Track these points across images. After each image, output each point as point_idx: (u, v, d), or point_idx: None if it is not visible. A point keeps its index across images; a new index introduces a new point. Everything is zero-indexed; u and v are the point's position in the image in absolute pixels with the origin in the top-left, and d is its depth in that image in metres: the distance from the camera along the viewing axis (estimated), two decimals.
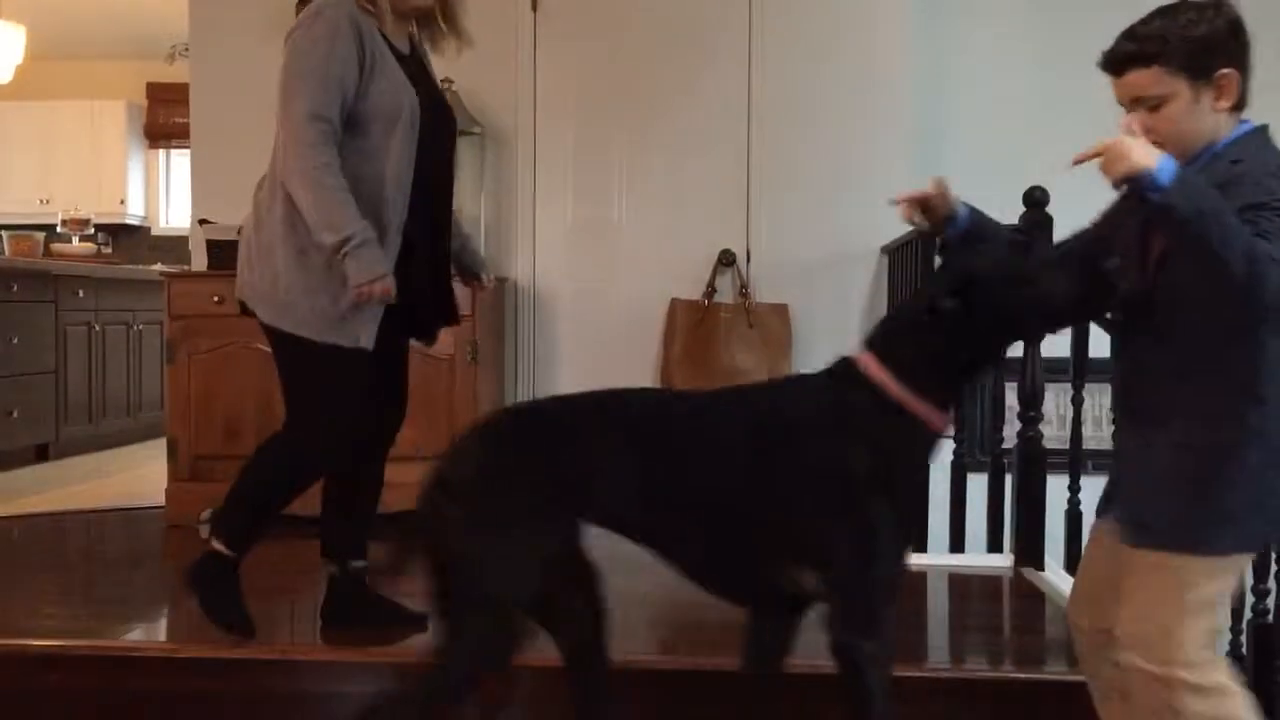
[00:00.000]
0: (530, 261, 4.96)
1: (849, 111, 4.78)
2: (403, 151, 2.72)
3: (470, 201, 4.89)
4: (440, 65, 4.71)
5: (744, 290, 4.81)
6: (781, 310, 4.78)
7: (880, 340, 2.05)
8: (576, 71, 4.91)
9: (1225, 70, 1.99)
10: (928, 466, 2.11)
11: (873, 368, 2.01)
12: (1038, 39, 5.10)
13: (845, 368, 2.06)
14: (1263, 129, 2.04)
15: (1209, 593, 1.98)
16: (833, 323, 4.80)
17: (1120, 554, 2.06)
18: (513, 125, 4.93)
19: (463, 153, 4.83)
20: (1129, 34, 2.05)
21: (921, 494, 2.05)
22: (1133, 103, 2.04)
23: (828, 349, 4.88)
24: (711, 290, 4.83)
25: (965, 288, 1.95)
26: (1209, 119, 2.01)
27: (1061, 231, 3.40)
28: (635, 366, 4.87)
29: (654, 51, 4.88)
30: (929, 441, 2.03)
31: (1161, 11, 2.02)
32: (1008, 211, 3.61)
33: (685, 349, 4.79)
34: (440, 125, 2.86)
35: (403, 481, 4.28)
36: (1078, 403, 3.57)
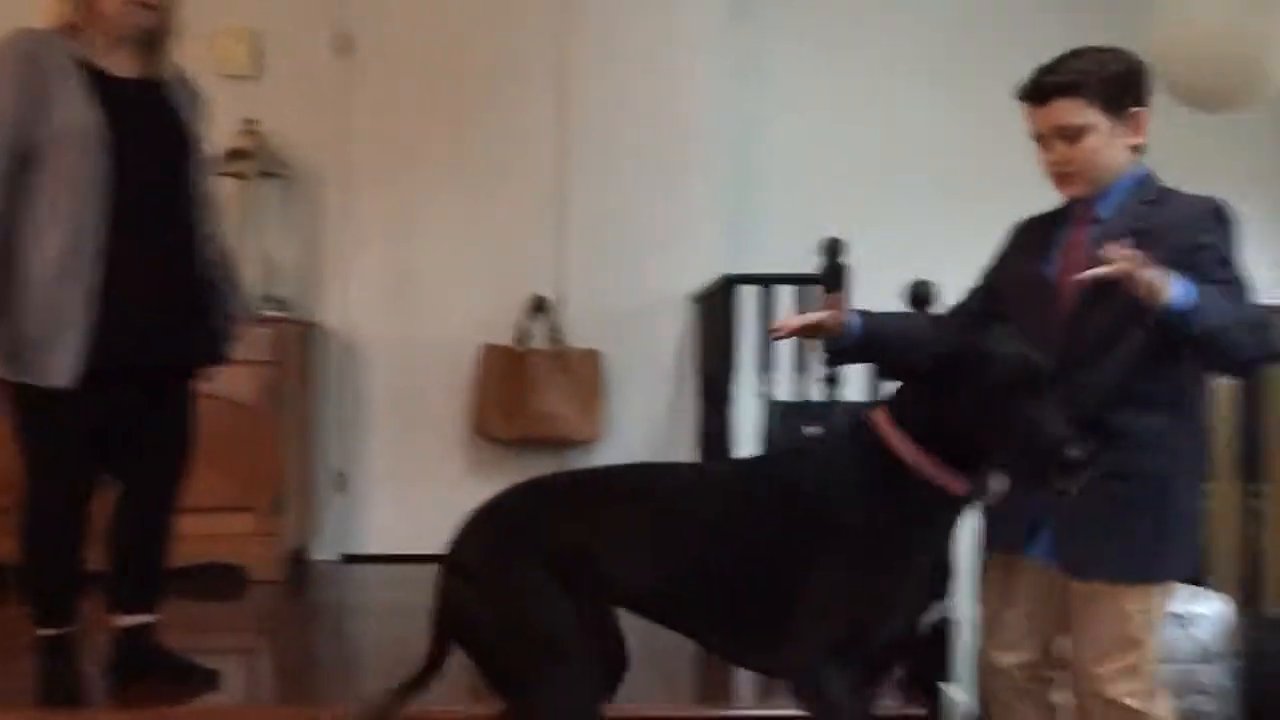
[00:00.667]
0: (341, 306, 4.85)
1: (660, 159, 4.88)
2: (89, 173, 2.61)
3: (278, 244, 4.77)
4: (245, 106, 4.66)
5: (556, 336, 4.83)
6: (593, 356, 4.82)
7: (895, 402, 1.99)
8: (387, 113, 4.86)
9: (1137, 109, 2.13)
10: (947, 531, 2.00)
11: (886, 429, 1.95)
12: (846, 89, 5.31)
13: (860, 430, 1.99)
14: (1150, 172, 2.17)
15: (1160, 618, 2.09)
16: (644, 369, 4.86)
17: (1052, 589, 2.14)
18: (322, 167, 4.83)
19: (270, 195, 4.73)
20: (1049, 69, 2.16)
21: (936, 556, 2.00)
22: (1052, 132, 2.13)
23: (640, 395, 5.01)
24: (523, 336, 4.83)
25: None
26: (1121, 154, 2.13)
27: (861, 280, 3.57)
28: (448, 413, 4.83)
29: (466, 96, 4.88)
30: (946, 505, 1.95)
31: (1074, 54, 2.14)
32: (809, 260, 3.77)
33: (498, 395, 4.77)
34: (159, 148, 2.75)
35: (205, 533, 4.17)
36: None
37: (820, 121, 5.22)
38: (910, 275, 2.96)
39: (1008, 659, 2.23)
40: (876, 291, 3.42)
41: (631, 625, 2.15)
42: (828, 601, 1.89)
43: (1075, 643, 2.13)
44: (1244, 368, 2.06)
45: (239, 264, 3.21)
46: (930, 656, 2.69)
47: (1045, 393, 1.86)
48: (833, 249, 3.70)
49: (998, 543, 2.24)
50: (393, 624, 3.60)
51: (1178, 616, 2.91)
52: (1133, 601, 2.06)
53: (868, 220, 4.74)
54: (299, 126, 4.78)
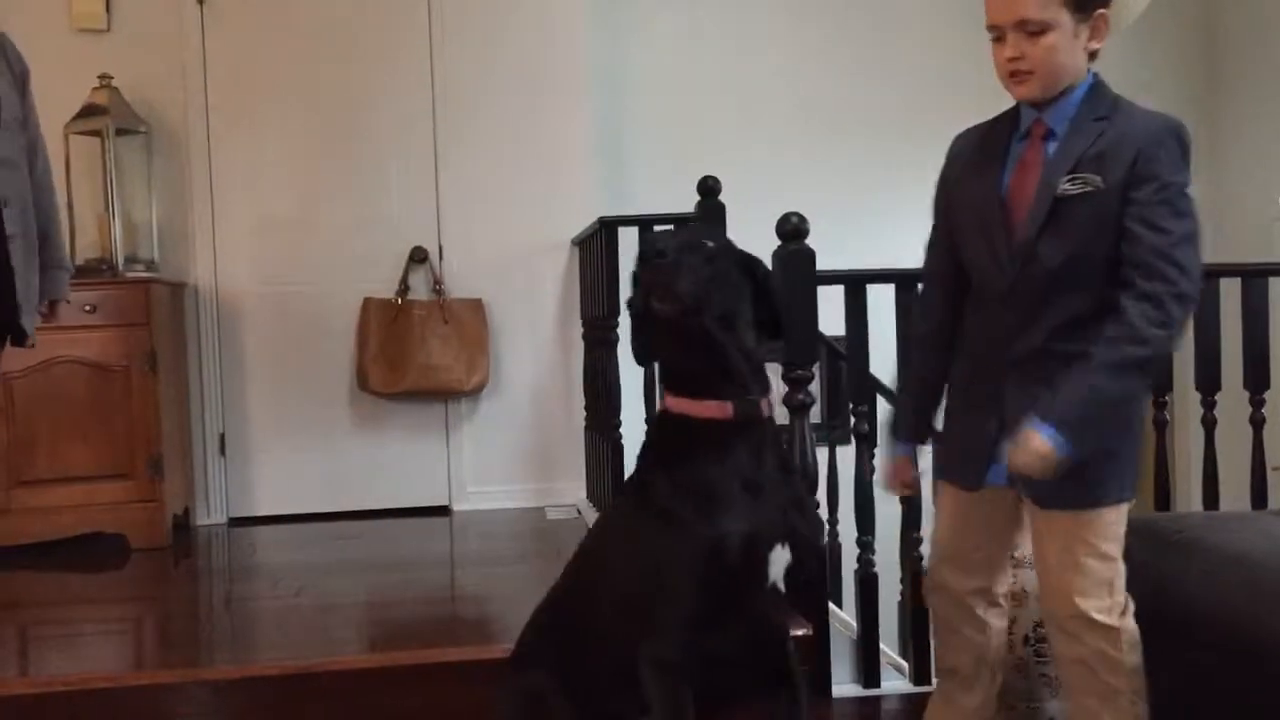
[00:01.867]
0: (210, 264, 4.72)
1: (533, 107, 4.83)
2: None
3: (139, 203, 4.61)
4: (98, 61, 4.48)
5: (438, 286, 4.78)
6: (476, 305, 4.79)
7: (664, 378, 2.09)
8: (249, 66, 4.72)
9: (1102, 10, 2.06)
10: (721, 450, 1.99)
11: (666, 402, 2.03)
12: (714, 28, 5.33)
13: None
14: (1099, 78, 2.11)
15: (1121, 534, 2.12)
16: (528, 315, 4.85)
17: (1008, 512, 2.18)
18: (183, 123, 4.68)
19: (128, 153, 4.57)
20: None
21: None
22: (1013, 25, 2.04)
23: (525, 342, 5.01)
24: (405, 288, 4.77)
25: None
26: (1079, 57, 2.06)
27: (734, 218, 3.60)
28: (330, 369, 4.76)
29: (331, 44, 4.76)
30: (705, 433, 1.97)
31: None
32: (687, 199, 3.79)
33: (380, 348, 4.71)
34: None
35: (82, 503, 4.07)
36: None
37: (688, 64, 5.24)
38: (782, 208, 2.99)
39: (962, 583, 2.25)
40: (750, 227, 3.47)
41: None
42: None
43: (1040, 565, 2.17)
44: (1163, 356, 2.06)
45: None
46: (813, 577, 2.74)
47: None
48: (710, 187, 3.73)
49: (953, 476, 2.25)
50: (281, 586, 3.57)
51: None
52: (1093, 523, 2.09)
53: (739, 158, 4.80)
54: (155, 80, 4.62)
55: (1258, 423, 3.38)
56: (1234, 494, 3.45)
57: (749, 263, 2.05)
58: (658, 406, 2.10)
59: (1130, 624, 2.14)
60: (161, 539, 4.19)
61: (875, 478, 2.31)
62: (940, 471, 2.29)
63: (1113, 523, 2.12)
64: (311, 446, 4.74)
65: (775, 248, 2.96)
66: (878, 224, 4.89)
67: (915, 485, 2.35)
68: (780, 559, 1.95)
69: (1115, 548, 2.13)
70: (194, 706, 2.63)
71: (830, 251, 3.03)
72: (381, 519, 4.66)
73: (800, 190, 4.10)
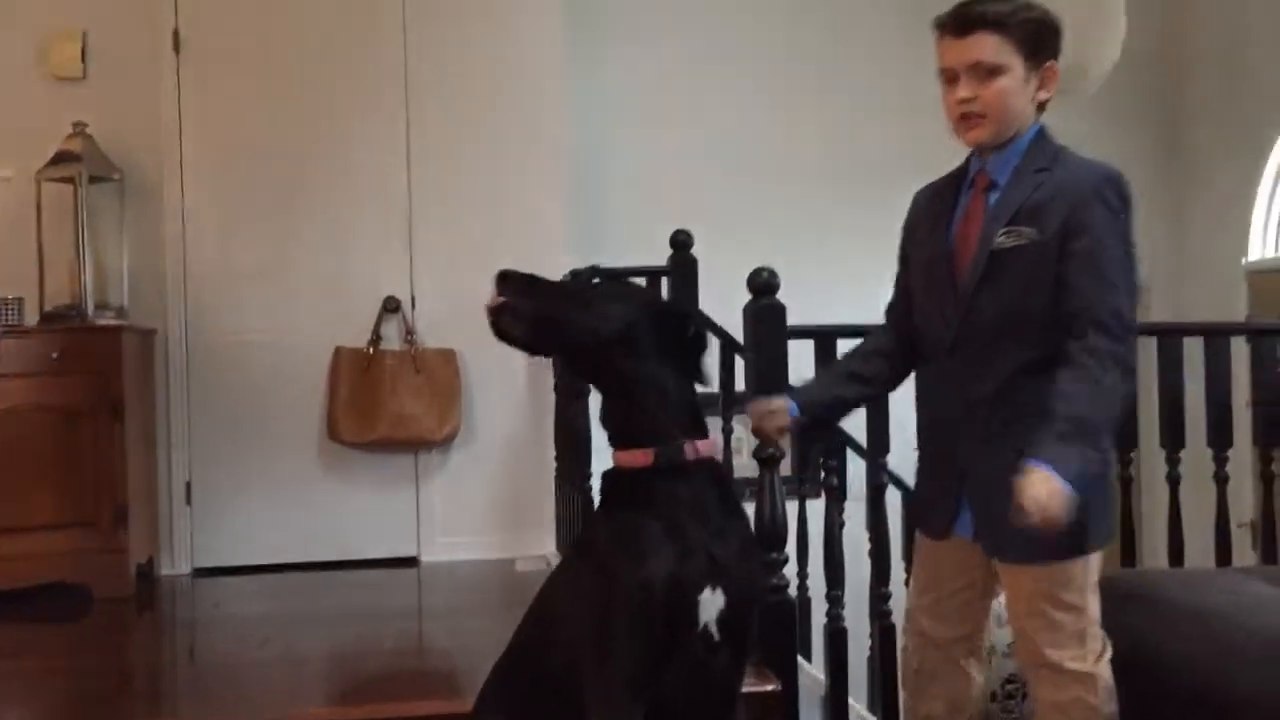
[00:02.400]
0: (181, 312, 4.70)
1: (507, 158, 4.86)
2: None
3: (111, 250, 4.60)
4: (73, 108, 4.48)
5: (410, 336, 4.78)
6: (449, 355, 4.79)
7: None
8: (225, 115, 4.73)
9: (1052, 62, 2.09)
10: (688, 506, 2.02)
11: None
12: (689, 83, 5.39)
13: None
14: (1045, 128, 2.13)
15: (1091, 583, 2.11)
16: (501, 366, 4.84)
17: (981, 564, 2.17)
18: (157, 171, 4.68)
19: (101, 200, 4.56)
20: (975, 1, 2.09)
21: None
22: (966, 67, 2.06)
23: (497, 392, 5.00)
24: (376, 337, 4.76)
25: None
26: (1027, 106, 2.09)
27: (706, 272, 3.63)
28: (300, 418, 4.73)
29: (307, 95, 4.78)
30: (634, 481, 2.02)
31: None
32: (659, 252, 3.82)
33: (351, 397, 4.70)
34: None
35: (44, 551, 4.01)
36: (727, 432, 3.77)
37: (662, 118, 5.29)
38: (754, 262, 3.01)
39: (941, 631, 2.25)
40: (722, 281, 3.50)
41: None
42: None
43: (1012, 614, 2.17)
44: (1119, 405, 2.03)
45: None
46: (780, 632, 2.74)
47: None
48: (682, 241, 3.77)
49: (922, 526, 2.28)
50: (246, 638, 3.52)
51: None
52: (1056, 576, 2.09)
53: (711, 212, 4.84)
54: (130, 129, 4.62)
55: (1221, 480, 3.42)
56: (1200, 550, 3.48)
57: (654, 304, 2.20)
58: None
59: (1105, 670, 2.14)
60: (125, 589, 4.12)
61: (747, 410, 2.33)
62: (914, 520, 2.32)
63: (1078, 575, 2.12)
64: (279, 496, 4.70)
65: (746, 302, 2.99)
66: (849, 279, 4.93)
67: (775, 433, 2.33)
68: (712, 602, 1.94)
69: (1084, 598, 2.12)
70: None
71: (801, 306, 3.05)
72: (349, 570, 4.62)
73: (772, 245, 4.14)
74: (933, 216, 2.22)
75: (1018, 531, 1.98)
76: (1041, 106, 2.12)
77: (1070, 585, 2.11)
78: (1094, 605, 2.15)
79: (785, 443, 2.82)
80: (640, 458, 1.99)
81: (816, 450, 3.16)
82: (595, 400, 4.19)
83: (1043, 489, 1.90)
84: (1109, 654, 2.16)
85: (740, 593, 1.98)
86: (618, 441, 2.04)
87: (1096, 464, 1.98)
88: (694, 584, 1.93)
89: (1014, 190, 2.08)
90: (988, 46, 2.04)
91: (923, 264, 2.21)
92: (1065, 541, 2.06)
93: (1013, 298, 2.05)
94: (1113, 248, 2.02)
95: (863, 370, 2.35)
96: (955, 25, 2.09)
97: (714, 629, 1.95)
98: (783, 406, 2.28)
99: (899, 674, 2.41)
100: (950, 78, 2.10)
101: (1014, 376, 2.06)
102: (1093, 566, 2.15)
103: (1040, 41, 2.08)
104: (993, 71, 2.05)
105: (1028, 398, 2.03)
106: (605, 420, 2.08)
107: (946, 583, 2.24)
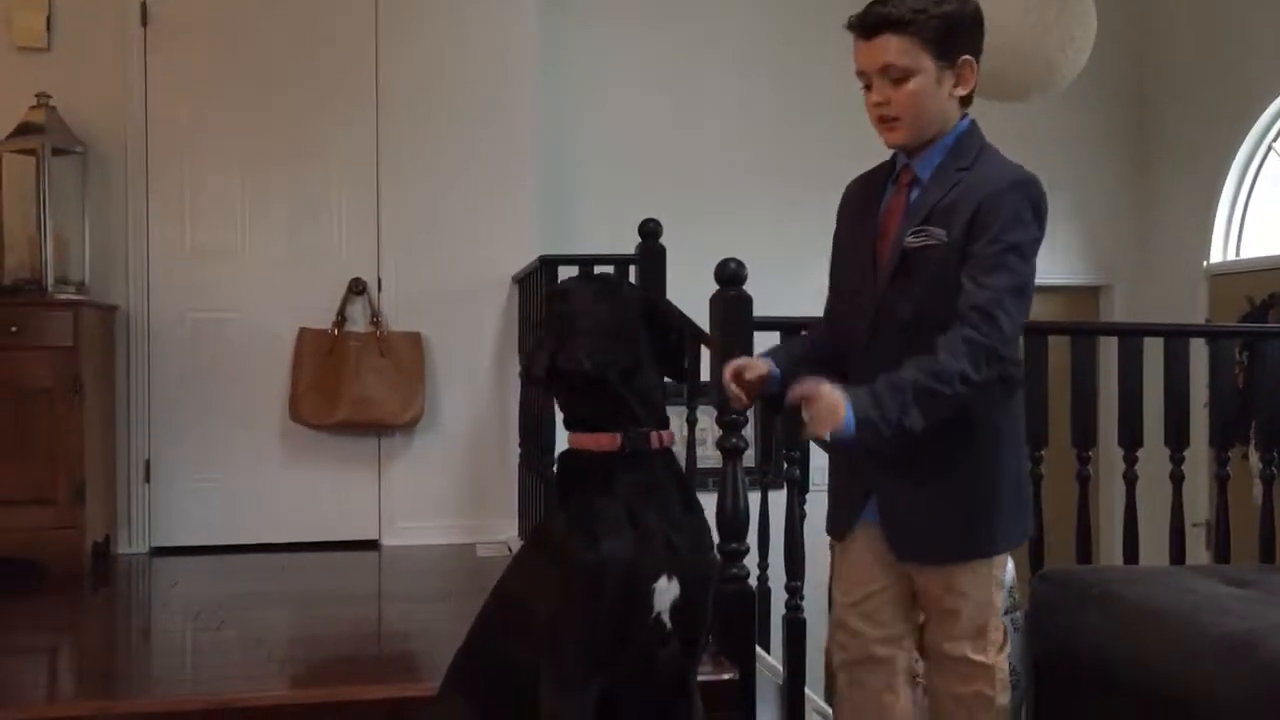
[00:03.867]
0: (143, 289, 4.65)
1: (477, 143, 4.84)
2: None
3: (73, 224, 4.53)
4: (37, 79, 4.41)
5: (375, 319, 4.75)
6: (414, 339, 4.76)
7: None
8: (191, 90, 4.67)
9: (967, 57, 2.02)
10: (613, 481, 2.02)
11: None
12: (662, 71, 5.39)
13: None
14: (974, 124, 2.08)
15: (997, 582, 2.12)
16: (466, 351, 4.83)
17: (894, 568, 2.14)
18: (121, 145, 4.62)
19: (63, 174, 4.49)
20: (882, 2, 2.02)
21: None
22: (876, 70, 2.01)
23: (462, 377, 4.99)
24: (341, 319, 4.73)
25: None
26: (947, 104, 2.03)
27: (674, 261, 3.62)
28: (263, 398, 4.69)
29: (275, 72, 4.73)
30: (594, 464, 2.01)
31: None
32: (628, 240, 3.82)
33: (315, 379, 4.66)
34: None
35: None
36: (692, 422, 3.77)
37: (634, 105, 5.29)
38: (722, 253, 3.01)
39: (871, 630, 2.19)
40: (690, 270, 3.50)
41: None
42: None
43: (933, 616, 2.18)
44: (971, 397, 1.95)
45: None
46: (740, 621, 2.75)
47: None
48: (651, 230, 3.76)
49: (831, 529, 2.27)
50: (203, 618, 3.50)
51: None
52: (963, 575, 2.10)
53: (681, 201, 4.85)
54: (95, 101, 4.56)
55: (1177, 479, 3.46)
56: (1155, 548, 3.53)
57: (648, 306, 2.14)
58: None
59: (1003, 662, 2.16)
60: (80, 567, 4.08)
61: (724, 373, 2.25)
62: (828, 529, 2.30)
63: (983, 573, 2.12)
64: (239, 477, 4.67)
65: (714, 292, 2.98)
66: (816, 272, 4.94)
67: (756, 382, 2.20)
68: (667, 591, 1.95)
69: (987, 593, 2.12)
70: None
71: (767, 298, 3.06)
72: (309, 552, 4.59)
73: (740, 235, 4.15)
74: (858, 210, 2.19)
75: (925, 531, 2.03)
76: (966, 101, 2.07)
77: (976, 582, 2.11)
78: (998, 598, 2.16)
79: (748, 432, 2.80)
80: (606, 441, 1.99)
81: (778, 441, 3.16)
82: None
83: (826, 405, 1.88)
84: (1009, 647, 2.19)
85: (695, 583, 1.99)
86: (583, 425, 2.03)
87: (884, 427, 1.89)
88: (650, 572, 1.94)
89: (932, 189, 2.05)
90: (894, 49, 1.99)
91: (846, 255, 2.19)
92: (971, 544, 2.08)
93: (922, 299, 2.02)
94: (1005, 252, 1.96)
95: (800, 354, 2.31)
96: (862, 27, 2.04)
97: (666, 618, 1.96)
98: (760, 362, 2.23)
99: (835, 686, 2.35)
100: (866, 83, 2.07)
101: None
102: (1000, 566, 2.15)
103: (951, 39, 2.01)
104: (903, 75, 2.00)
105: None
106: (571, 405, 2.07)
107: (862, 574, 2.20)
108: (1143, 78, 6.03)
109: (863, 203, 2.18)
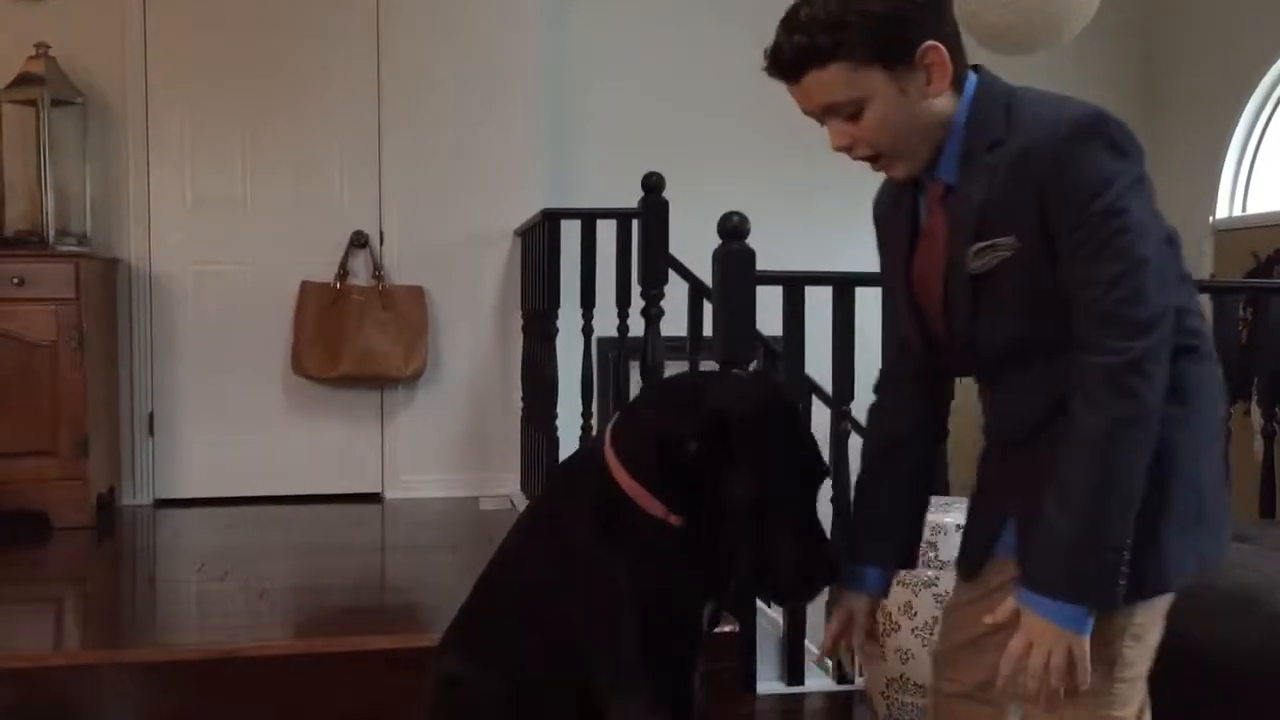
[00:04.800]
0: (144, 241, 4.64)
1: (479, 95, 4.81)
2: None
3: (73, 176, 4.52)
4: (36, 29, 4.37)
5: (378, 272, 4.75)
6: (417, 292, 4.76)
7: (618, 433, 1.83)
8: (191, 39, 4.64)
9: (929, 43, 1.52)
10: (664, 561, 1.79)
11: (611, 461, 1.78)
12: (665, 24, 5.33)
13: (591, 461, 1.85)
14: (984, 77, 1.60)
15: (1148, 643, 1.59)
16: (468, 304, 4.83)
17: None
18: (121, 96, 4.59)
19: (64, 124, 4.47)
20: (792, 23, 1.55)
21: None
22: (825, 112, 1.57)
23: (464, 331, 4.98)
24: (344, 272, 4.73)
25: (716, 431, 1.68)
26: (922, 109, 1.54)
27: (677, 215, 3.60)
28: (265, 351, 4.70)
29: (277, 21, 4.69)
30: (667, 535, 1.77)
31: None
32: (631, 194, 3.80)
33: (317, 332, 4.67)
34: None
35: (3, 479, 3.98)
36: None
37: (637, 57, 5.24)
38: (724, 207, 3.01)
39: (966, 677, 1.76)
40: (692, 224, 3.49)
41: None
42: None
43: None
44: (1152, 417, 1.48)
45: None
46: None
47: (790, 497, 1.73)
48: (654, 183, 3.73)
49: (958, 565, 1.81)
50: (207, 569, 3.52)
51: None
52: (1105, 623, 1.53)
53: (684, 154, 4.82)
54: (94, 51, 4.53)
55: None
56: None
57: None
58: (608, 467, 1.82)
59: None
60: (85, 518, 4.11)
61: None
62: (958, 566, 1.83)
63: (1128, 626, 1.56)
64: (242, 429, 4.69)
65: (715, 246, 2.98)
66: (819, 226, 4.94)
67: (869, 631, 1.79)
68: (706, 615, 1.88)
69: (1133, 648, 1.56)
70: (114, 689, 2.59)
71: (770, 252, 3.05)
72: (312, 504, 4.62)
73: (743, 190, 4.13)
74: (892, 238, 1.74)
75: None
76: (956, 83, 1.56)
77: (1125, 635, 1.56)
78: (1145, 655, 1.59)
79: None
80: (670, 518, 1.77)
81: None
82: (563, 345, 4.21)
83: (1041, 655, 1.47)
84: (1148, 716, 1.63)
85: (723, 603, 1.93)
86: (659, 486, 1.75)
87: (1108, 577, 1.47)
88: (700, 599, 1.85)
89: (970, 188, 1.55)
90: (828, 85, 1.53)
91: (906, 304, 1.71)
92: (1147, 575, 1.53)
93: (1018, 322, 1.56)
94: (1100, 224, 1.48)
95: (896, 479, 1.82)
96: (780, 70, 1.58)
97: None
98: (853, 601, 1.81)
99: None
100: (817, 120, 1.61)
101: (1043, 413, 1.58)
102: (1155, 619, 1.59)
103: (894, 37, 1.51)
104: (855, 108, 1.54)
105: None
106: (662, 471, 1.75)
107: (962, 627, 1.77)
108: (1149, 33, 5.97)
109: (897, 229, 1.72)
